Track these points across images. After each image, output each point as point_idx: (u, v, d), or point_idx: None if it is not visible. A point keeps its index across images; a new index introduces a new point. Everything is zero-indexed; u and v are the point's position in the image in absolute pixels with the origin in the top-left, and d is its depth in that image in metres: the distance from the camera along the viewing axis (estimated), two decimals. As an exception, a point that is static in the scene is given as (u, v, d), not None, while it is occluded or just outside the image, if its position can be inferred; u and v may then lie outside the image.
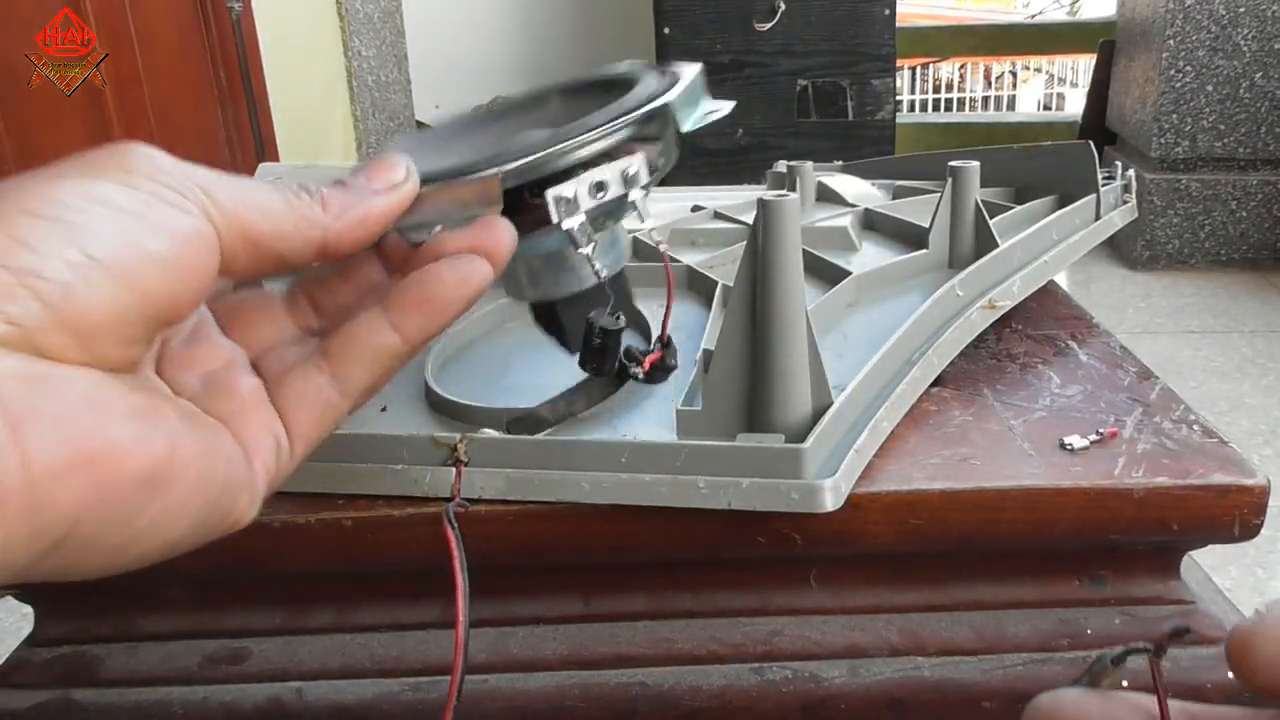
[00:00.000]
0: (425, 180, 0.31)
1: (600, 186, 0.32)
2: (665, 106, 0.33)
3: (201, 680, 0.44)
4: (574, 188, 0.32)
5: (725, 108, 0.36)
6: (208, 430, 0.26)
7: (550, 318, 0.38)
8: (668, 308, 0.40)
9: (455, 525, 0.37)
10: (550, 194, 0.31)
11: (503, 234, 0.30)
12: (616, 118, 0.32)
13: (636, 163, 0.33)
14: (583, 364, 0.40)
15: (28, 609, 0.47)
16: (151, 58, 1.88)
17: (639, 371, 0.41)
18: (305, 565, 0.43)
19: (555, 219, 0.32)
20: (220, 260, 0.25)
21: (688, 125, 0.35)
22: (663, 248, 0.38)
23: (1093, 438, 0.44)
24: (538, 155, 0.31)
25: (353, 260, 0.31)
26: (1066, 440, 0.44)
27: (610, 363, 0.39)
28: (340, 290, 0.32)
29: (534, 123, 0.37)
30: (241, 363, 0.30)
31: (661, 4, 2.42)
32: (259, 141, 2.15)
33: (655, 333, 0.44)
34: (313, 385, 0.29)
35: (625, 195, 0.33)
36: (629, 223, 0.37)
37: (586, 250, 0.33)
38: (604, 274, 0.35)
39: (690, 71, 0.35)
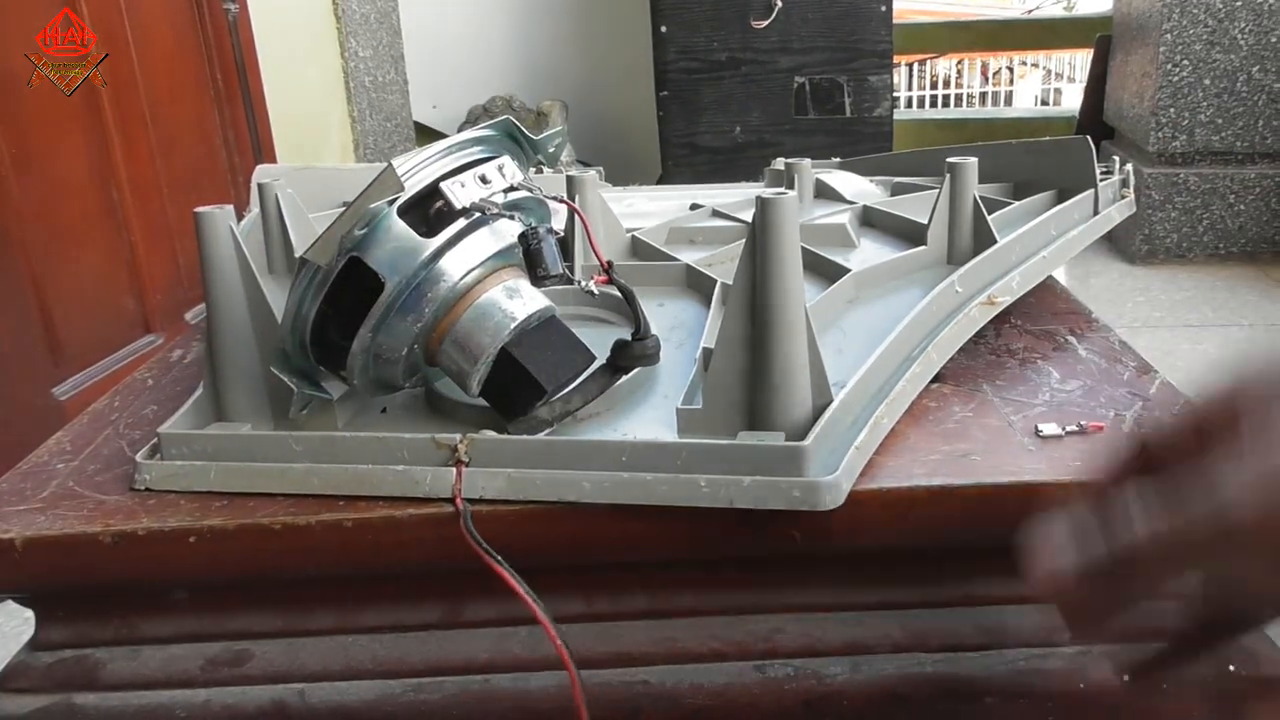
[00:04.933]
0: None
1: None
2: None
3: (203, 683, 0.44)
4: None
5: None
6: None
7: (510, 364, 0.41)
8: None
9: (481, 540, 0.38)
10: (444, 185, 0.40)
11: None
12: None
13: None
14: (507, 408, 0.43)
15: (29, 613, 0.47)
16: (147, 59, 1.87)
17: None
18: (307, 567, 0.43)
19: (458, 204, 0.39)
20: None
21: None
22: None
23: (1071, 428, 0.44)
24: None
25: None
26: (1041, 427, 0.44)
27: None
28: None
29: None
30: None
31: (658, 2, 2.41)
32: (256, 143, 2.15)
33: (644, 325, 0.44)
34: None
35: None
36: (628, 221, 0.38)
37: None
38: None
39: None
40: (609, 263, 0.42)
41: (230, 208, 0.46)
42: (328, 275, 0.40)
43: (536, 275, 0.42)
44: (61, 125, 1.67)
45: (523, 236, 0.42)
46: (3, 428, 1.51)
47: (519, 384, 0.42)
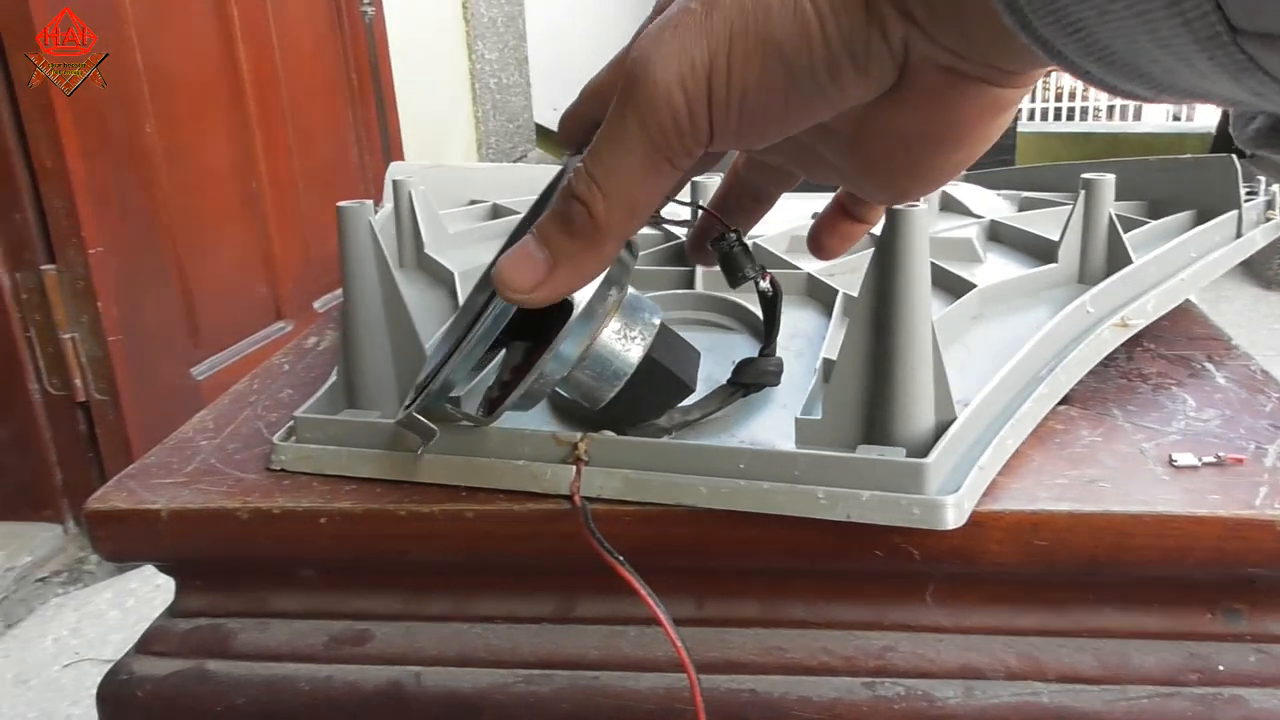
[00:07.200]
0: None
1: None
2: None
3: (326, 659, 0.46)
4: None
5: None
6: None
7: (651, 369, 0.41)
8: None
9: (602, 539, 0.39)
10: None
11: None
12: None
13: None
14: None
15: (163, 580, 0.50)
16: (289, 58, 1.95)
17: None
18: (427, 554, 0.44)
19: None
20: None
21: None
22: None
23: (1208, 459, 0.42)
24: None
25: None
26: (1176, 457, 0.43)
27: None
28: None
29: None
30: None
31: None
32: (385, 141, 2.22)
33: (774, 342, 0.44)
34: None
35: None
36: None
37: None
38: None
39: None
40: (762, 267, 0.42)
41: (370, 203, 0.47)
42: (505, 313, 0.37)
43: (738, 278, 0.41)
44: (209, 119, 1.75)
45: (720, 241, 0.41)
46: (147, 403, 1.60)
47: (657, 388, 0.42)
